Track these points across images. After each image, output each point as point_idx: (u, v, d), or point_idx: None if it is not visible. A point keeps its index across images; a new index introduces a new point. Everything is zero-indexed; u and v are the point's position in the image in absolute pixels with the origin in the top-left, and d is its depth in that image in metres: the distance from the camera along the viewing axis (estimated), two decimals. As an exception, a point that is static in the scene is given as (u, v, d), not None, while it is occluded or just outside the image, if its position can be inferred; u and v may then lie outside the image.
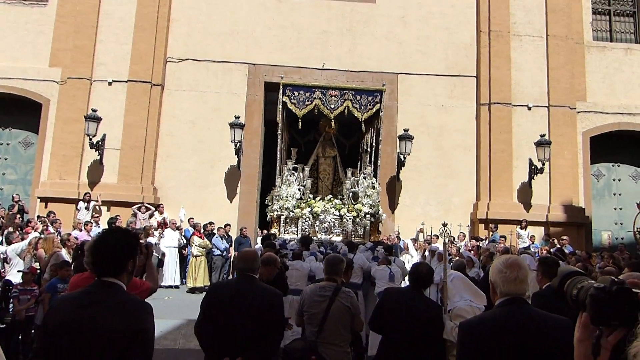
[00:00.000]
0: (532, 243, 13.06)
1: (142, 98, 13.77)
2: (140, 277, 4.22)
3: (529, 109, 14.32)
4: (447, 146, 14.36)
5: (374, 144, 13.04)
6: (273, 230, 12.15)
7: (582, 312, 1.55)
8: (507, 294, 2.35)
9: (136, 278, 3.75)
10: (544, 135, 13.61)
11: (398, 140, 13.73)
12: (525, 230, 13.45)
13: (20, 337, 6.40)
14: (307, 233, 11.53)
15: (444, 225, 12.68)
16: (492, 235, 13.36)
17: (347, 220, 11.99)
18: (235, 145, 13.44)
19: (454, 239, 12.90)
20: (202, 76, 14.19)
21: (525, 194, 14.04)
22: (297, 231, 11.87)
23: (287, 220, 11.96)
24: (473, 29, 14.78)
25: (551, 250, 11.34)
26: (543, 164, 13.54)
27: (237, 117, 13.33)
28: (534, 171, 13.85)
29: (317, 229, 11.91)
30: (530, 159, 13.93)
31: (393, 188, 14.00)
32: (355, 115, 12.45)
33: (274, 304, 3.55)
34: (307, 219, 11.92)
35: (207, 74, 14.20)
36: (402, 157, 13.72)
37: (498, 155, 14.05)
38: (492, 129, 14.17)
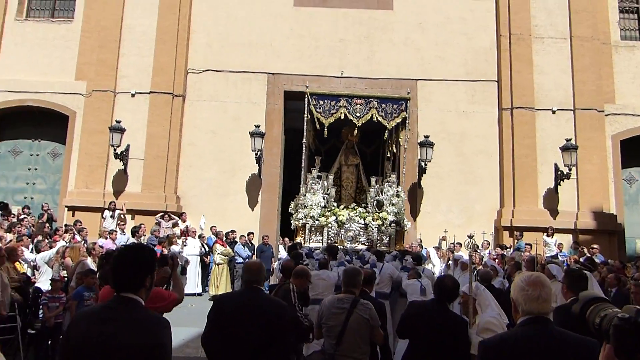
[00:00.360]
0: (560, 251, 12.71)
1: (164, 109, 14.03)
2: (166, 286, 4.30)
3: (553, 112, 14.02)
4: (468, 152, 14.17)
5: (395, 152, 12.96)
6: (298, 239, 12.15)
7: (605, 343, 1.47)
8: (529, 313, 2.31)
9: (163, 289, 3.85)
10: (570, 140, 13.28)
11: (419, 147, 13.62)
12: (552, 237, 13.10)
13: (49, 342, 6.62)
14: (332, 242, 11.53)
15: (470, 237, 12.42)
16: (517, 243, 13.08)
17: (372, 229, 11.92)
18: (256, 154, 13.52)
19: (477, 247, 12.66)
20: (222, 86, 14.36)
21: (551, 200, 13.72)
22: (322, 240, 11.87)
23: (312, 228, 11.97)
24: (493, 33, 14.60)
25: (580, 259, 11.00)
26: (570, 169, 13.19)
27: (257, 126, 13.43)
28: (560, 177, 13.51)
29: (342, 238, 11.92)
30: (556, 164, 13.62)
31: (414, 195, 13.88)
32: (382, 123, 12.37)
33: (279, 315, 3.54)
34: (333, 228, 11.91)
35: (227, 84, 14.37)
36: (423, 163, 13.61)
37: (522, 160, 13.79)
38: (515, 133, 13.92)
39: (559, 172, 13.54)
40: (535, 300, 2.28)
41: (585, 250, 11.94)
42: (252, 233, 13.14)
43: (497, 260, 11.60)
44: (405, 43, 14.53)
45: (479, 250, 12.29)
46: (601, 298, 1.90)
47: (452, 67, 14.39)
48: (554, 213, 13.63)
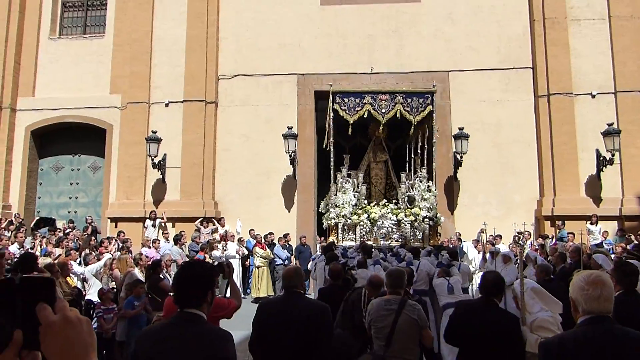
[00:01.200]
0: (605, 239, 12.37)
1: (198, 116, 14.26)
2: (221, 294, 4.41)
3: (593, 97, 13.63)
4: (504, 142, 13.92)
5: (426, 146, 12.79)
6: (331, 238, 12.10)
7: None
8: (589, 312, 2.27)
9: (222, 298, 3.97)
10: (612, 124, 12.90)
11: (453, 139, 13.51)
12: (597, 225, 12.78)
13: (104, 352, 6.81)
14: (365, 240, 11.47)
15: (520, 234, 12.11)
16: (559, 233, 12.83)
17: (405, 225, 11.82)
18: (290, 156, 13.60)
19: (519, 237, 12.29)
20: (252, 90, 14.49)
21: (593, 188, 13.40)
22: (355, 238, 11.83)
23: (345, 227, 11.94)
24: (525, 18, 14.25)
25: (628, 246, 10.56)
26: (613, 155, 12.84)
27: (289, 128, 13.49)
28: (602, 163, 13.18)
29: (375, 235, 11.84)
30: (597, 150, 13.28)
31: (451, 189, 13.74)
32: (407, 118, 12.19)
33: (320, 318, 3.58)
34: (365, 226, 11.85)
35: (257, 88, 14.50)
36: (458, 156, 13.50)
37: (561, 148, 13.49)
38: (552, 121, 13.62)
39: (601, 158, 13.22)
40: (596, 299, 2.25)
41: (633, 237, 11.59)
42: (288, 234, 13.21)
43: (537, 251, 11.30)
44: (435, 35, 14.35)
45: (520, 242, 11.88)
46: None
47: (484, 57, 14.16)
48: (597, 200, 13.33)
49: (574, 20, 13.87)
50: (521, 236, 12.34)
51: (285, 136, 13.45)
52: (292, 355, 3.46)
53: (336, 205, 12.05)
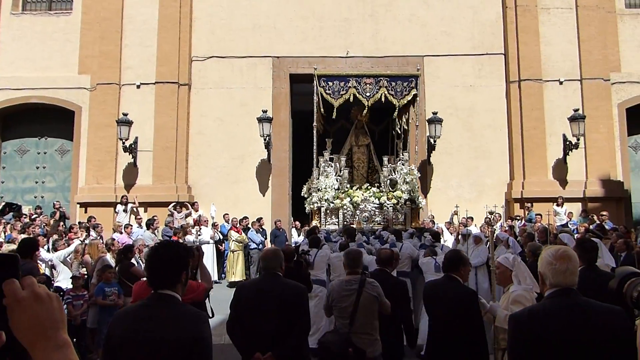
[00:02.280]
0: (570, 220, 12.80)
1: (170, 98, 13.91)
2: (193, 278, 4.48)
3: (561, 83, 13.98)
4: (477, 127, 14.14)
5: (407, 129, 12.88)
6: (314, 222, 12.15)
7: None
8: (556, 285, 2.36)
9: (192, 281, 3.95)
10: (577, 110, 13.31)
11: (427, 123, 13.58)
12: (562, 207, 13.18)
13: (75, 340, 6.65)
14: (349, 223, 11.55)
15: (491, 213, 12.37)
16: (528, 214, 13.14)
17: (388, 208, 11.92)
18: (265, 139, 13.46)
19: (490, 219, 12.08)
20: (227, 73, 14.22)
21: (560, 171, 13.80)
22: (338, 222, 11.90)
23: (328, 211, 11.99)
24: (499, 5, 14.41)
25: (590, 226, 11.11)
26: (578, 139, 13.27)
27: (264, 111, 13.34)
28: (568, 147, 13.58)
29: (358, 219, 11.95)
30: (564, 135, 13.65)
31: (425, 172, 13.86)
32: (392, 102, 12.24)
33: (297, 298, 3.66)
34: (348, 209, 11.91)
35: (232, 70, 14.23)
36: (432, 140, 13.60)
37: (531, 132, 13.79)
38: (523, 106, 13.90)
39: (567, 143, 13.60)
40: (563, 273, 2.32)
41: (595, 217, 12.07)
42: (262, 218, 13.10)
43: (507, 232, 11.42)
44: (410, 19, 14.35)
45: (491, 223, 11.85)
46: (638, 272, 1.94)
47: (459, 42, 14.25)
48: (563, 183, 13.74)
49: (544, 9, 14.09)
50: (492, 217, 12.42)
51: (260, 119, 13.32)
52: (271, 335, 3.51)
53: (319, 190, 12.04)
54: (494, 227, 11.71)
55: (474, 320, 3.79)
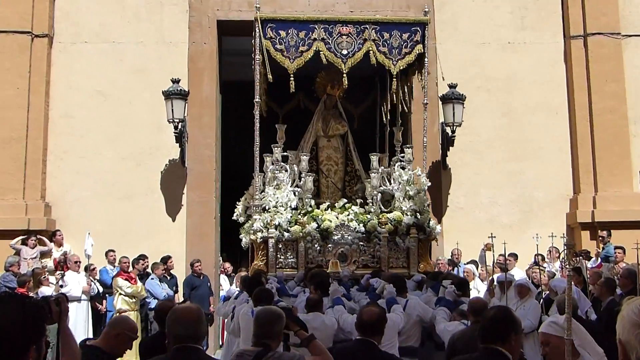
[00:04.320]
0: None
1: (18, 59, 10.36)
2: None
3: (651, 40, 11.18)
4: (520, 109, 10.99)
5: (408, 110, 10.15)
6: (257, 263, 9.30)
7: None
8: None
9: None
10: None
11: (441, 102, 10.42)
12: (661, 237, 10.50)
13: None
14: (315, 265, 9.05)
15: (569, 246, 8.69)
16: (603, 248, 10.28)
17: (380, 240, 9.31)
18: (176, 127, 10.24)
19: (542, 258, 10.08)
20: (113, 18, 10.72)
21: (655, 180, 10.97)
22: (297, 263, 9.36)
23: (280, 245, 9.36)
24: None
25: None
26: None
27: (175, 82, 10.18)
28: (669, 140, 10.64)
29: (331, 258, 9.37)
30: (660, 121, 10.76)
31: (438, 181, 10.63)
32: (384, 65, 9.39)
33: None
34: (315, 241, 9.40)
35: (121, 15, 10.73)
36: (449, 130, 10.62)
37: (605, 118, 10.79)
38: (591, 76, 10.85)
39: (667, 133, 10.83)
40: None
41: None
42: (170, 257, 10.30)
43: (574, 278, 9.27)
44: None
45: (545, 266, 9.91)
46: None
47: (489, -28, 11.30)
48: (662, 199, 10.93)
49: None
50: (549, 254, 10.30)
51: (168, 94, 10.10)
52: None
53: (264, 210, 9.49)
54: (552, 268, 9.97)
55: None
